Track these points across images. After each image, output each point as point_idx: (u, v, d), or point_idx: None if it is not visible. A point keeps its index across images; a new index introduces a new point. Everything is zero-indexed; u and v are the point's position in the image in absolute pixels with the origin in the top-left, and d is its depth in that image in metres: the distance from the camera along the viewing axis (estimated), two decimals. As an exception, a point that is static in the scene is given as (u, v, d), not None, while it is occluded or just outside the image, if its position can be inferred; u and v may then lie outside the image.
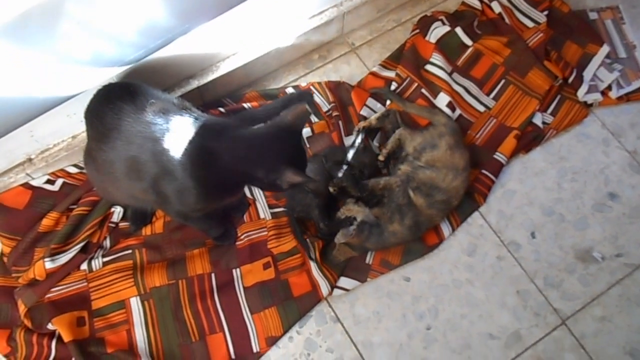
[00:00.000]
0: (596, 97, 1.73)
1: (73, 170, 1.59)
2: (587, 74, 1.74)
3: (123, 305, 1.46)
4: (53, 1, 0.96)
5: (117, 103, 1.16)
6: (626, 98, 1.74)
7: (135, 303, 1.46)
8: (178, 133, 1.15)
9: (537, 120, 1.70)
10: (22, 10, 0.94)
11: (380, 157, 1.61)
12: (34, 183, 1.55)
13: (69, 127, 1.50)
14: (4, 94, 1.06)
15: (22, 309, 1.41)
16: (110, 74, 1.13)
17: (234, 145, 1.15)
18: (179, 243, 1.52)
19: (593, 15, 1.89)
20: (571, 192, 1.64)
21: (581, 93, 1.72)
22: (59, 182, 1.58)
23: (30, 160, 1.52)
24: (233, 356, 1.42)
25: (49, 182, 1.57)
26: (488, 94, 1.74)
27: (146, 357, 1.40)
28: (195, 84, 1.61)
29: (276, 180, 1.13)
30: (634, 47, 1.81)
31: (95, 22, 1.00)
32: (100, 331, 1.43)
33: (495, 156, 1.64)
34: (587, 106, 1.74)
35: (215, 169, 1.14)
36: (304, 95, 1.71)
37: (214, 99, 1.71)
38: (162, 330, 1.44)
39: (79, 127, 1.52)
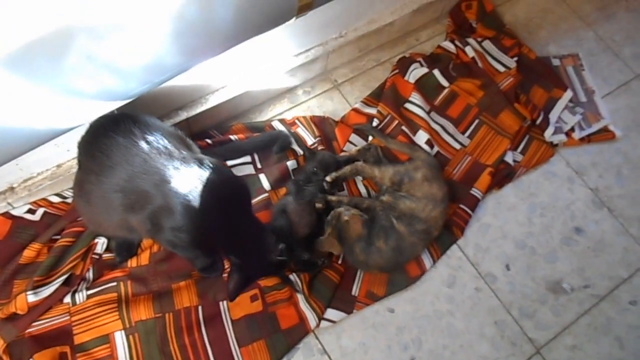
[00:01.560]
0: (561, 138, 1.86)
1: (55, 199, 1.56)
2: (553, 116, 1.88)
3: (107, 339, 1.42)
4: (63, 34, 0.97)
5: (120, 134, 1.17)
6: (588, 139, 1.88)
7: (120, 337, 1.42)
8: (183, 172, 1.18)
9: (509, 158, 1.81)
10: (28, 40, 0.95)
11: (328, 178, 1.64)
12: (14, 212, 1.51)
13: (55, 156, 1.48)
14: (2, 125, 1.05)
15: (0, 344, 1.35)
16: (111, 108, 1.14)
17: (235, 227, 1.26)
18: (165, 275, 1.51)
19: (555, 62, 2.05)
20: (541, 226, 1.75)
21: (548, 134, 1.85)
22: (40, 211, 1.54)
23: (12, 189, 1.48)
24: (220, 391, 1.41)
25: (29, 211, 1.53)
26: (463, 133, 1.85)
27: (132, 395, 1.37)
28: (184, 115, 1.63)
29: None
30: (593, 92, 1.97)
31: (104, 56, 1.01)
32: (82, 367, 1.39)
33: (471, 191, 1.73)
34: (553, 146, 1.87)
35: (211, 224, 1.20)
36: (284, 138, 1.75)
37: (201, 130, 1.73)
38: (147, 363, 1.41)
39: (65, 156, 1.50)
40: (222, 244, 1.30)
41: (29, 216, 1.53)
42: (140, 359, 1.41)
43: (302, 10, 1.22)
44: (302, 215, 1.56)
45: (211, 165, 1.24)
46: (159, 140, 1.19)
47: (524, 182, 1.82)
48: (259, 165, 1.71)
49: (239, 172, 1.68)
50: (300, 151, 1.74)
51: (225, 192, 1.24)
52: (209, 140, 1.70)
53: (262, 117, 1.83)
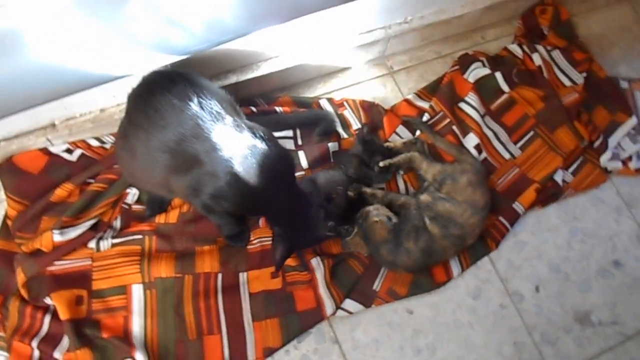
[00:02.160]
0: (617, 165, 1.76)
1: (94, 143, 1.55)
2: (612, 141, 1.78)
3: (124, 290, 1.42)
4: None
5: (175, 94, 1.14)
6: (644, 171, 1.79)
7: (137, 290, 1.42)
8: (235, 139, 1.15)
9: (558, 177, 1.72)
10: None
11: (381, 164, 1.60)
12: (52, 149, 1.50)
13: (100, 99, 1.46)
14: (58, 62, 1.02)
15: (20, 277, 1.37)
16: (165, 62, 1.10)
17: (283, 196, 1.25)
18: (190, 236, 1.49)
19: (624, 84, 1.93)
20: (579, 253, 1.68)
21: (604, 159, 1.75)
22: (77, 152, 1.53)
23: (53, 125, 1.47)
24: (227, 360, 1.40)
25: (67, 151, 1.53)
26: (515, 143, 1.76)
27: (140, 348, 1.36)
28: (234, 79, 1.59)
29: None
30: (659, 123, 1.85)
31: (165, 8, 0.97)
32: (97, 313, 1.39)
33: (514, 205, 1.66)
34: (606, 172, 1.77)
35: (259, 195, 1.19)
36: (330, 121, 1.70)
37: (247, 96, 1.68)
38: (161, 322, 1.41)
39: (110, 102, 1.48)
40: (268, 214, 1.32)
41: (66, 155, 1.52)
42: (153, 316, 1.41)
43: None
44: (334, 190, 1.52)
45: (263, 135, 1.21)
46: (212, 105, 1.16)
47: (570, 204, 1.74)
48: (299, 142, 1.67)
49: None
50: (344, 134, 1.69)
51: (274, 164, 1.21)
52: (253, 108, 1.66)
53: (311, 93, 1.78)
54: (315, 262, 1.49)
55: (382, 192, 1.56)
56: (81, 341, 1.34)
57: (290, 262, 1.49)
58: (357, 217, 1.50)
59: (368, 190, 1.55)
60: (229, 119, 1.18)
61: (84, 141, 1.53)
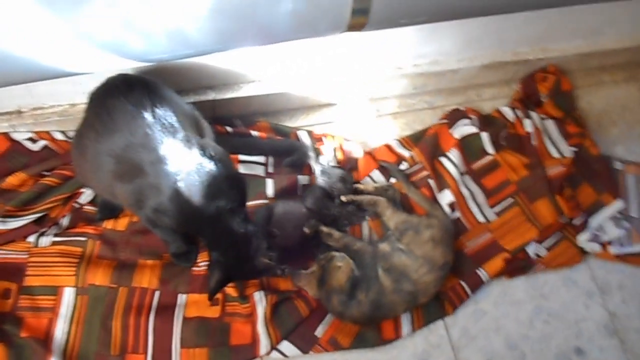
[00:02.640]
0: (595, 247, 1.68)
1: (59, 136, 1.52)
2: (594, 221, 1.70)
3: (55, 291, 1.37)
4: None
5: (130, 100, 1.12)
6: (623, 258, 1.70)
7: (68, 294, 1.37)
8: (182, 155, 1.12)
9: (531, 249, 1.65)
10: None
11: (343, 198, 1.57)
12: (14, 135, 1.48)
13: (70, 93, 1.44)
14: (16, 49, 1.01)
15: (-50, 260, 1.32)
16: (128, 65, 1.08)
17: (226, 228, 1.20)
18: (136, 247, 1.45)
19: (618, 166, 1.85)
20: (541, 333, 1.58)
21: (582, 239, 1.67)
22: (41, 143, 1.51)
23: (20, 112, 1.45)
24: (145, 385, 1.33)
25: (30, 140, 1.50)
26: (492, 207, 1.70)
27: (58, 355, 1.30)
28: (212, 95, 1.57)
29: None
30: (648, 210, 1.78)
31: (125, 9, 0.96)
32: (22, 310, 1.34)
33: (477, 271, 1.58)
34: (583, 253, 1.69)
35: (199, 215, 1.14)
36: (302, 154, 1.65)
37: (225, 116, 1.65)
38: (85, 332, 1.35)
39: (80, 98, 1.46)
40: (206, 237, 1.24)
41: (29, 144, 1.50)
42: (79, 323, 1.35)
43: (353, 28, 1.12)
44: (290, 223, 1.47)
45: (213, 154, 1.17)
46: (167, 117, 1.13)
47: (539, 280, 1.66)
48: (270, 170, 1.63)
49: (249, 170, 1.60)
50: (316, 169, 1.64)
51: (220, 186, 1.17)
52: (229, 128, 1.63)
53: (292, 123, 1.74)
54: (258, 296, 1.43)
55: (339, 233, 1.50)
56: (-2, 335, 1.28)
57: (232, 291, 1.43)
58: (320, 258, 1.43)
59: (324, 229, 1.49)
60: (181, 133, 1.14)
61: (48, 133, 1.51)
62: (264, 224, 1.45)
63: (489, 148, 1.75)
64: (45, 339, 1.32)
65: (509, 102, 1.91)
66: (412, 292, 1.43)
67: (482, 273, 1.58)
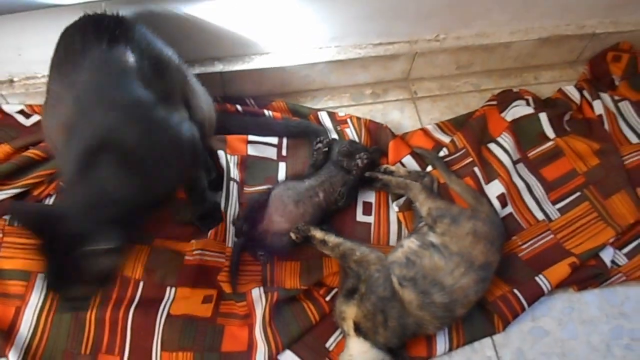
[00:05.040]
0: (694, 256, 1.32)
1: (53, 111, 1.39)
2: (692, 225, 1.34)
3: (29, 277, 1.19)
4: None
5: (89, 34, 0.95)
6: None
7: (41, 281, 1.19)
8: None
9: (606, 256, 1.31)
10: None
11: (367, 174, 1.33)
12: (5, 108, 1.37)
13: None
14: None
15: None
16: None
17: None
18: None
19: None
20: (622, 362, 1.22)
21: (676, 245, 1.32)
22: (34, 118, 1.39)
23: (11, 81, 1.34)
24: (117, 391, 1.11)
25: (22, 113, 1.38)
26: (554, 203, 1.38)
27: (17, 350, 1.11)
28: (219, 67, 1.40)
29: None
30: None
31: None
32: (-16, 294, 1.17)
33: (536, 278, 1.26)
34: (678, 263, 1.33)
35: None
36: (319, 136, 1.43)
37: (237, 94, 1.48)
38: (55, 325, 1.15)
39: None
40: None
41: (20, 118, 1.39)
42: (49, 315, 1.16)
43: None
44: (290, 199, 1.26)
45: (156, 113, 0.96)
46: (122, 56, 0.94)
47: (618, 294, 1.30)
48: (284, 153, 1.42)
49: (259, 152, 1.40)
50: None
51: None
52: (239, 107, 1.44)
53: (313, 105, 1.53)
54: (257, 294, 1.19)
55: (335, 239, 1.20)
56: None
57: (226, 287, 1.20)
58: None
59: (318, 234, 1.21)
60: (132, 82, 0.95)
61: (41, 107, 1.38)
62: (250, 210, 1.26)
63: (550, 132, 1.45)
64: (8, 330, 1.13)
65: (576, 84, 1.60)
66: (447, 305, 1.12)
67: (542, 281, 1.25)
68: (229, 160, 1.34)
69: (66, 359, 1.13)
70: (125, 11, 1.08)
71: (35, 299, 1.17)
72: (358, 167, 1.31)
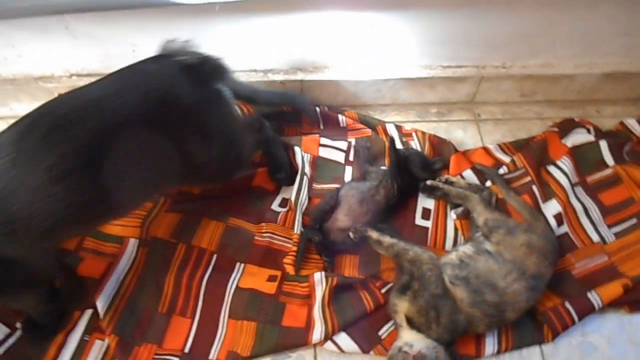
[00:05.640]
0: None
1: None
2: None
3: (121, 241, 1.34)
4: None
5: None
6: None
7: (132, 245, 1.33)
8: None
9: (661, 282, 1.32)
10: None
11: (428, 182, 1.43)
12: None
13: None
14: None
15: None
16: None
17: None
18: (204, 205, 1.41)
19: None
20: (673, 389, 1.22)
21: None
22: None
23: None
24: (186, 349, 1.21)
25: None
26: (610, 227, 1.42)
27: (105, 299, 1.24)
28: (300, 76, 1.56)
29: None
30: None
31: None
32: (84, 251, 1.32)
33: (588, 294, 1.29)
34: None
35: None
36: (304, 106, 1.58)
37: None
38: (139, 283, 1.29)
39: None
40: None
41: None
42: (135, 275, 1.30)
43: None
44: (354, 198, 1.37)
45: None
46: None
47: (671, 321, 1.31)
48: (350, 158, 1.54)
49: (330, 155, 1.53)
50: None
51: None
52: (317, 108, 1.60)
53: (382, 118, 1.65)
54: (318, 277, 1.28)
55: (389, 240, 1.27)
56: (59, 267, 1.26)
57: (290, 269, 1.31)
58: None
59: (374, 235, 1.29)
60: None
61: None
62: (321, 210, 1.37)
63: (610, 160, 1.51)
64: (99, 280, 1.28)
65: (637, 118, 1.65)
66: (497, 305, 1.18)
67: (593, 297, 1.28)
68: (303, 157, 1.48)
69: (144, 314, 1.25)
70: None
71: (125, 261, 1.31)
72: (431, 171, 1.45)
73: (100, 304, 1.23)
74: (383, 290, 1.30)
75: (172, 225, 1.35)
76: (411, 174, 1.42)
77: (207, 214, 1.38)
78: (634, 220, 1.42)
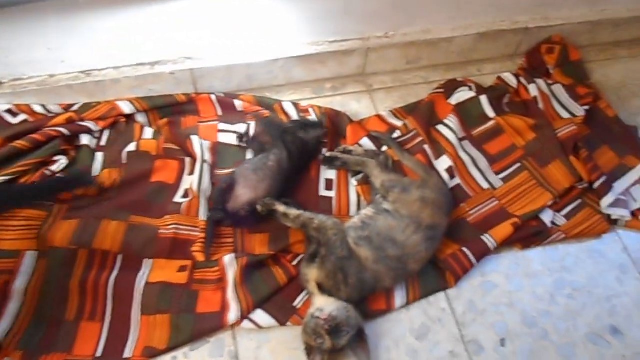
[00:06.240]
0: (623, 214, 1.46)
1: (38, 109, 1.52)
2: (619, 186, 1.49)
3: (17, 255, 1.28)
4: None
5: None
6: (658, 226, 1.46)
7: (30, 258, 1.27)
8: None
9: (546, 217, 1.45)
10: None
11: (327, 154, 1.49)
12: (-8, 107, 1.48)
13: (47, 62, 1.44)
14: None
15: None
16: None
17: None
18: (102, 207, 1.36)
19: (644, 133, 1.66)
20: (565, 309, 1.34)
21: (605, 203, 1.46)
22: (21, 117, 1.50)
23: (0, 83, 1.46)
24: (98, 353, 1.18)
25: (10, 112, 1.50)
26: (497, 173, 1.53)
27: (8, 320, 1.18)
28: (189, 65, 1.54)
29: None
30: (682, 176, 1.55)
31: None
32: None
33: (483, 237, 1.39)
34: (610, 221, 1.47)
35: None
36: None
37: (207, 91, 1.62)
38: (41, 297, 1.23)
39: (58, 68, 1.46)
40: None
41: (7, 117, 1.49)
42: (37, 288, 1.24)
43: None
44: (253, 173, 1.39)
45: None
46: None
47: (559, 251, 1.44)
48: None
49: (228, 139, 1.54)
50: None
51: None
52: (213, 96, 1.61)
53: (279, 98, 1.68)
54: (228, 260, 1.29)
55: (295, 212, 1.31)
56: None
57: (199, 256, 1.31)
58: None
59: (280, 208, 1.32)
60: None
61: (28, 106, 1.50)
62: (220, 191, 1.38)
63: (490, 112, 1.62)
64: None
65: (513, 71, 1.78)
66: (400, 257, 1.25)
67: (488, 239, 1.38)
68: (202, 145, 1.48)
69: (51, 324, 1.20)
70: None
71: (23, 276, 1.25)
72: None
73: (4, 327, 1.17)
74: (294, 263, 1.33)
75: (70, 232, 1.29)
76: (299, 138, 1.46)
77: (106, 216, 1.33)
78: (517, 165, 1.54)
